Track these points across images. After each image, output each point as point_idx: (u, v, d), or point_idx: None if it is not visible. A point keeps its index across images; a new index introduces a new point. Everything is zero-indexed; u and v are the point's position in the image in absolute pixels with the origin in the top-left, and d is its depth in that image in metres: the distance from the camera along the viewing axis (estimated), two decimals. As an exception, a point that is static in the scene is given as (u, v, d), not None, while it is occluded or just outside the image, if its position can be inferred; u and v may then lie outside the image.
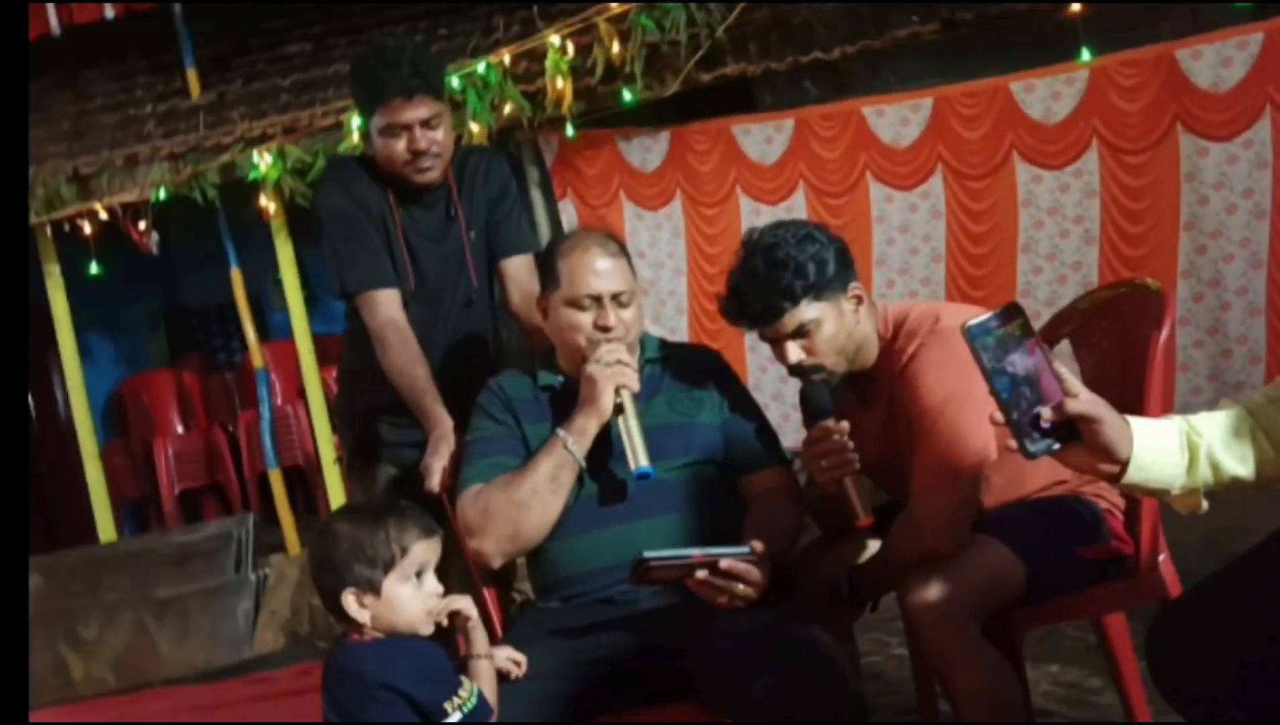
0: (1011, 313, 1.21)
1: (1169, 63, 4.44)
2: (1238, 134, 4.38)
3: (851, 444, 1.77)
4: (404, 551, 1.48)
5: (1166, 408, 1.85)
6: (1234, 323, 4.47)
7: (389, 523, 1.49)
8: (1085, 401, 1.21)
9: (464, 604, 1.54)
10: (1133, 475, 1.24)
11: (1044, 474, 1.83)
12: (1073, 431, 1.21)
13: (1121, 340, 2.04)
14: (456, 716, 1.43)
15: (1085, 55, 4.31)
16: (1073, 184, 4.64)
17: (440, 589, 1.52)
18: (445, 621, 1.53)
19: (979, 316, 1.23)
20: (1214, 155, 4.33)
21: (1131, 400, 1.94)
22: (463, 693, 1.46)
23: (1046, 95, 4.61)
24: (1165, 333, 1.86)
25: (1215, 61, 4.40)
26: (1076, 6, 4.17)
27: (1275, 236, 4.21)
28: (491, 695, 1.52)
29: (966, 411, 1.73)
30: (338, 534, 1.50)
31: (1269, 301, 4.29)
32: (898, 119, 4.82)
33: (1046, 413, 1.19)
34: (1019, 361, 1.19)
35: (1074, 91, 4.57)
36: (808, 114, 4.97)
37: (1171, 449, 1.27)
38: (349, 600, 1.48)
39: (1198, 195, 4.46)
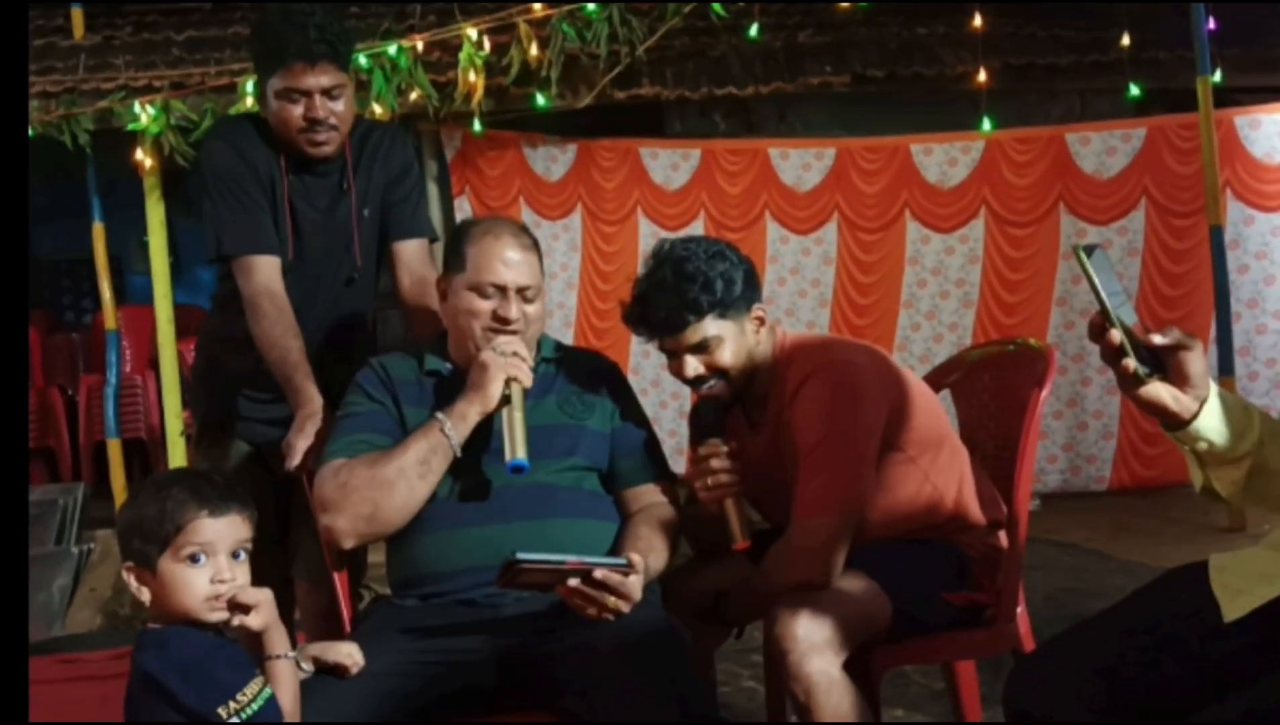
0: (1098, 248, 1.24)
1: (1059, 144, 4.69)
2: (1114, 220, 4.65)
3: (737, 464, 1.74)
4: (178, 529, 1.34)
5: (1031, 467, 1.91)
6: (1092, 398, 4.72)
7: (169, 497, 1.35)
8: (1181, 331, 1.22)
9: (258, 597, 1.37)
10: (1204, 420, 1.24)
11: (919, 516, 1.85)
12: (1159, 366, 1.22)
13: (1000, 395, 2.09)
14: (234, 721, 1.29)
15: (986, 125, 4.49)
16: (958, 248, 4.83)
17: (231, 576, 1.35)
18: (238, 616, 1.36)
19: (1087, 241, 1.25)
20: (1091, 238, 4.58)
21: (1004, 456, 1.99)
22: (243, 696, 1.30)
23: (943, 160, 4.80)
24: (1045, 392, 1.90)
25: (1101, 149, 4.67)
26: (982, 77, 4.34)
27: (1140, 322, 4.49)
28: (288, 700, 1.37)
29: (852, 446, 1.74)
30: (128, 503, 1.39)
31: (1125, 382, 4.53)
32: (801, 163, 4.93)
33: (1157, 338, 1.21)
34: (1119, 287, 1.22)
35: (969, 160, 4.77)
36: (715, 146, 5.02)
37: (1236, 405, 1.28)
38: (129, 576, 1.37)
39: (1072, 273, 4.69)
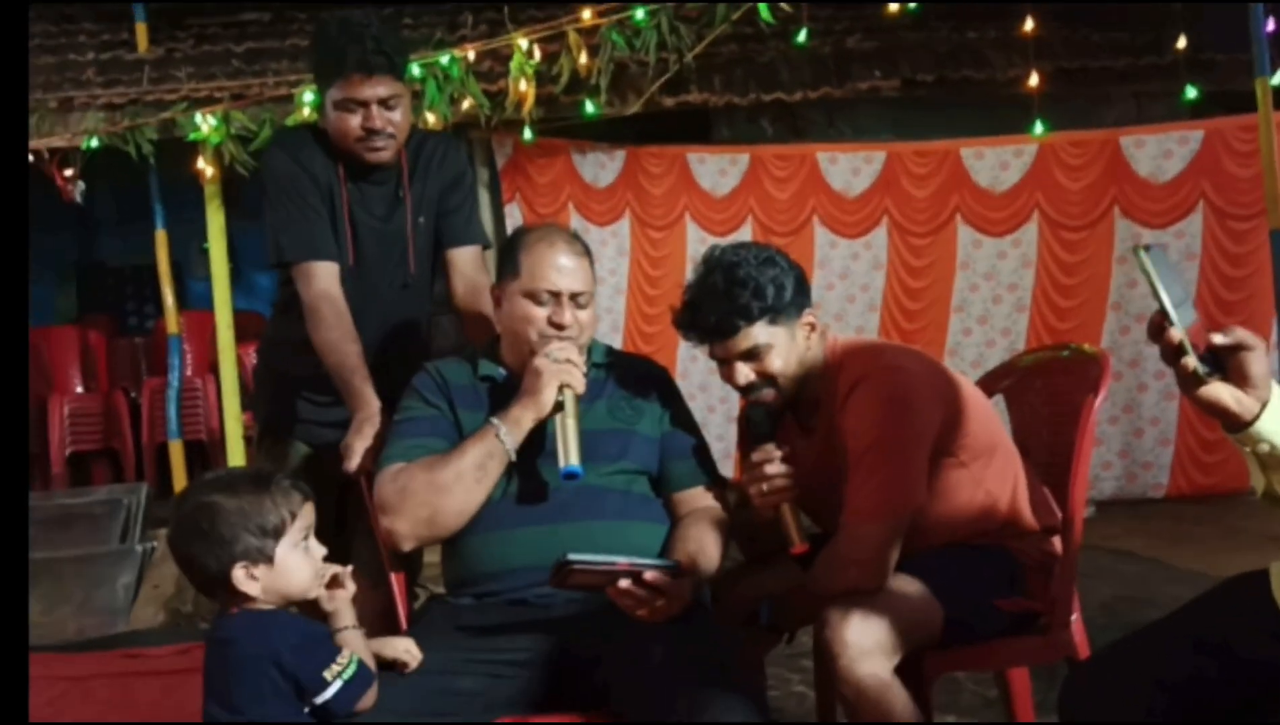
0: (1156, 247, 1.24)
1: (1113, 148, 4.62)
2: (1171, 224, 4.57)
3: (792, 469, 1.75)
4: (293, 516, 1.45)
5: (1086, 473, 1.89)
6: (1149, 404, 4.63)
7: (272, 489, 1.46)
8: (1243, 330, 1.21)
9: (343, 570, 1.52)
10: (1266, 422, 1.22)
11: (972, 522, 1.84)
12: (1220, 366, 1.21)
13: (1054, 401, 2.08)
14: (338, 684, 1.41)
15: (1039, 129, 4.43)
16: (1011, 252, 4.78)
17: (324, 551, 1.50)
18: (335, 589, 1.51)
19: (1150, 243, 1.25)
20: (1147, 241, 4.50)
21: (1057, 462, 1.97)
22: (342, 659, 1.43)
23: (995, 164, 4.75)
24: (1100, 398, 1.88)
25: (1157, 153, 4.60)
26: (1034, 81, 4.29)
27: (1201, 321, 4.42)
28: (371, 662, 1.49)
29: (902, 451, 1.74)
30: (219, 506, 1.43)
31: (1183, 388, 4.45)
32: (850, 168, 4.91)
33: (1218, 338, 1.20)
34: (1180, 286, 1.21)
35: (1021, 164, 4.72)
36: (763, 152, 5.02)
37: None
38: (239, 574, 1.42)
39: (1128, 278, 4.62)
